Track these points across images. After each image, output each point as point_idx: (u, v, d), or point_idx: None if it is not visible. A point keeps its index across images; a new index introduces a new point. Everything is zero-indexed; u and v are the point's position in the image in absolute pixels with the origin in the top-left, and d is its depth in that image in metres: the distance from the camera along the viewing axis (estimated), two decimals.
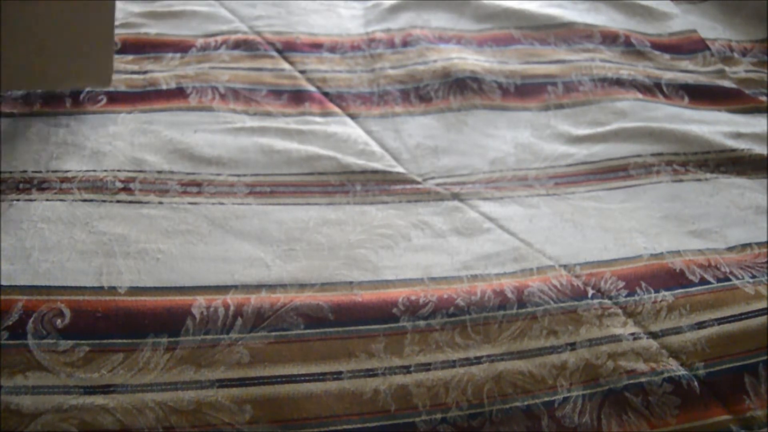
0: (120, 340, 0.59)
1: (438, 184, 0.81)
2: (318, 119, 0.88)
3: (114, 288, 0.63)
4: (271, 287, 0.65)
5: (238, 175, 0.78)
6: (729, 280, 0.72)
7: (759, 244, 0.78)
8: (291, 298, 0.64)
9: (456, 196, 0.80)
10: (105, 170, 0.75)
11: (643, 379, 0.62)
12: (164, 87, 0.88)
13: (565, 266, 0.72)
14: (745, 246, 0.78)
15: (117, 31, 1.04)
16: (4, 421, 0.52)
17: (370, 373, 0.59)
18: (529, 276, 0.70)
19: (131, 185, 0.74)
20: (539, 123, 0.93)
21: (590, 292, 0.69)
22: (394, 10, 1.16)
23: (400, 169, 0.82)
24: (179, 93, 0.87)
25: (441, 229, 0.75)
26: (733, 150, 0.91)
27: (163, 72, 0.90)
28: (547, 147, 0.89)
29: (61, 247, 0.67)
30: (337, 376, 0.58)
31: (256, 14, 1.12)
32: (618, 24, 1.20)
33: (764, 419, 0.61)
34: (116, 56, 0.98)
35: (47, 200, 0.71)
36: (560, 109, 0.96)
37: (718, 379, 0.63)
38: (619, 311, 0.68)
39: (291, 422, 0.55)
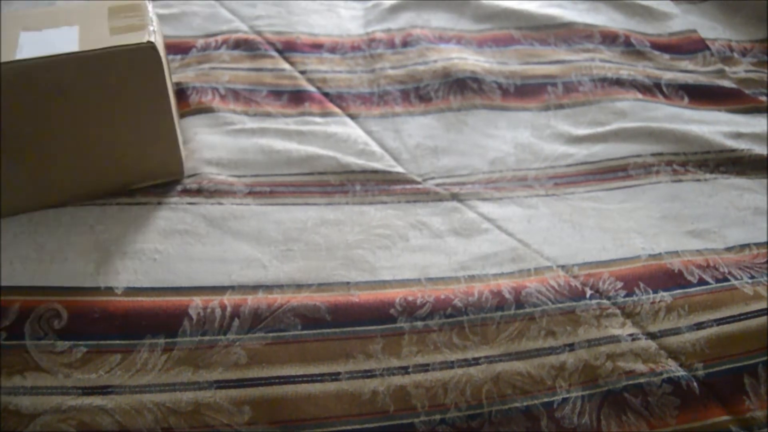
0: (117, 341, 0.59)
1: (437, 185, 0.81)
2: (318, 119, 0.88)
3: (111, 288, 0.63)
4: (268, 288, 0.65)
5: (238, 176, 0.78)
6: (728, 280, 0.72)
7: (758, 245, 0.78)
8: (288, 299, 0.64)
9: (455, 197, 0.80)
10: None
11: (642, 380, 0.62)
12: None
13: (563, 267, 0.72)
14: (743, 246, 0.78)
15: None
16: (3, 421, 0.52)
17: (368, 374, 0.59)
18: (526, 276, 0.70)
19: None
20: (539, 123, 0.93)
21: (588, 292, 0.69)
22: (394, 10, 1.16)
23: (399, 169, 0.82)
24: (180, 94, 0.87)
25: (439, 230, 0.74)
26: (733, 150, 0.91)
27: None
28: (547, 147, 0.89)
29: (59, 248, 0.67)
30: (335, 377, 0.58)
31: (257, 14, 1.12)
32: (618, 24, 1.19)
33: (764, 420, 0.61)
34: None
35: None
36: (560, 110, 0.96)
37: (717, 380, 0.63)
38: (618, 312, 0.67)
39: (289, 423, 0.55)
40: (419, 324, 0.63)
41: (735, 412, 0.61)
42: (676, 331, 0.66)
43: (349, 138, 0.85)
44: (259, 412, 0.55)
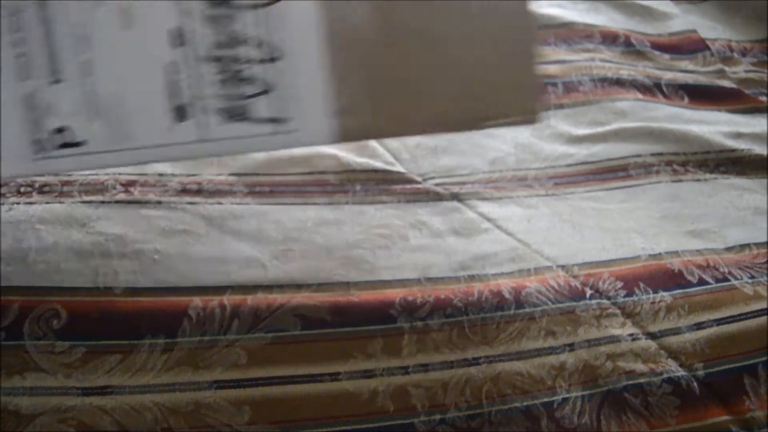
0: (117, 341, 0.59)
1: (437, 184, 0.81)
2: None
3: (110, 289, 0.63)
4: (267, 288, 0.65)
5: (239, 175, 0.78)
6: (728, 280, 0.72)
7: (758, 245, 0.78)
8: (288, 299, 0.64)
9: (455, 197, 0.80)
10: (107, 173, 0.75)
11: (642, 380, 0.62)
12: None
13: (562, 267, 0.72)
14: (743, 246, 0.78)
15: None
16: (3, 422, 0.52)
17: (368, 374, 0.59)
18: (526, 276, 0.70)
19: (132, 188, 0.74)
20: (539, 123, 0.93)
21: (588, 292, 0.69)
22: None
23: (399, 168, 0.82)
24: None
25: (439, 230, 0.74)
26: (733, 150, 0.91)
27: None
28: (547, 147, 0.89)
29: (58, 248, 0.67)
30: (335, 377, 0.58)
31: None
32: (618, 24, 1.20)
33: (764, 420, 0.61)
34: None
35: (47, 203, 0.71)
36: (560, 109, 0.96)
37: (717, 380, 0.63)
38: (618, 312, 0.67)
39: (289, 423, 0.55)
40: (419, 324, 0.63)
41: (735, 413, 0.61)
42: (676, 331, 0.66)
43: None
44: (259, 412, 0.55)
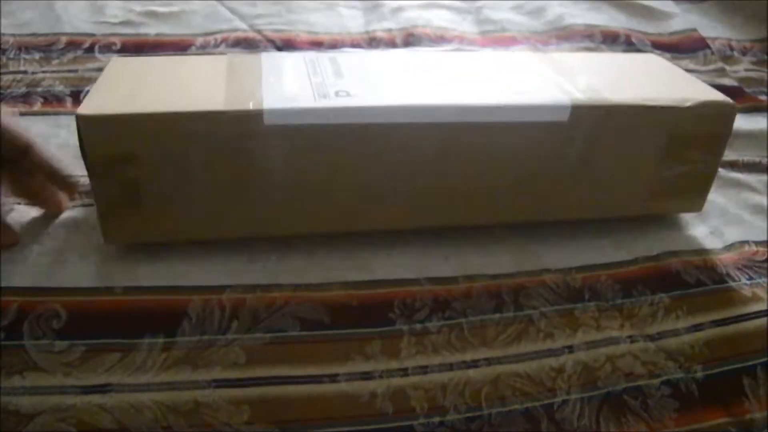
0: (116, 340, 0.59)
1: None
2: None
3: (110, 288, 0.63)
4: (266, 287, 0.65)
5: None
6: (725, 281, 0.72)
7: (756, 243, 0.78)
8: (287, 299, 0.64)
9: None
10: None
11: (641, 382, 0.62)
12: None
13: (561, 269, 0.72)
14: (742, 244, 0.78)
15: (116, 30, 1.04)
16: (3, 421, 0.52)
17: (367, 376, 0.59)
18: (525, 278, 0.70)
19: None
20: None
21: (587, 294, 0.69)
22: (395, 9, 1.16)
23: None
24: None
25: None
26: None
27: None
28: None
29: (58, 248, 0.67)
30: (334, 378, 0.58)
31: (257, 12, 1.12)
32: (619, 23, 1.20)
33: (763, 421, 0.61)
34: (116, 57, 0.98)
35: None
36: None
37: (716, 382, 0.63)
38: (616, 314, 0.67)
39: (288, 423, 0.55)
40: (418, 326, 0.63)
41: (734, 414, 0.61)
42: (674, 333, 0.66)
43: None
44: (258, 411, 0.55)
